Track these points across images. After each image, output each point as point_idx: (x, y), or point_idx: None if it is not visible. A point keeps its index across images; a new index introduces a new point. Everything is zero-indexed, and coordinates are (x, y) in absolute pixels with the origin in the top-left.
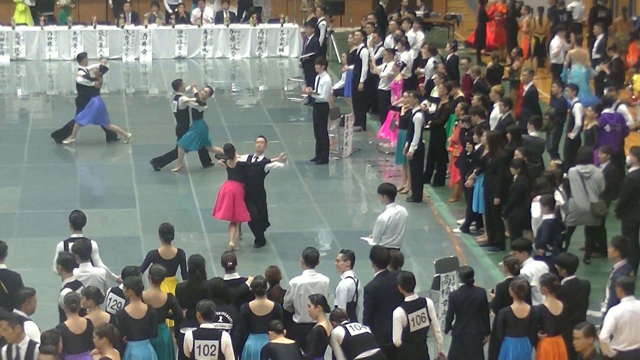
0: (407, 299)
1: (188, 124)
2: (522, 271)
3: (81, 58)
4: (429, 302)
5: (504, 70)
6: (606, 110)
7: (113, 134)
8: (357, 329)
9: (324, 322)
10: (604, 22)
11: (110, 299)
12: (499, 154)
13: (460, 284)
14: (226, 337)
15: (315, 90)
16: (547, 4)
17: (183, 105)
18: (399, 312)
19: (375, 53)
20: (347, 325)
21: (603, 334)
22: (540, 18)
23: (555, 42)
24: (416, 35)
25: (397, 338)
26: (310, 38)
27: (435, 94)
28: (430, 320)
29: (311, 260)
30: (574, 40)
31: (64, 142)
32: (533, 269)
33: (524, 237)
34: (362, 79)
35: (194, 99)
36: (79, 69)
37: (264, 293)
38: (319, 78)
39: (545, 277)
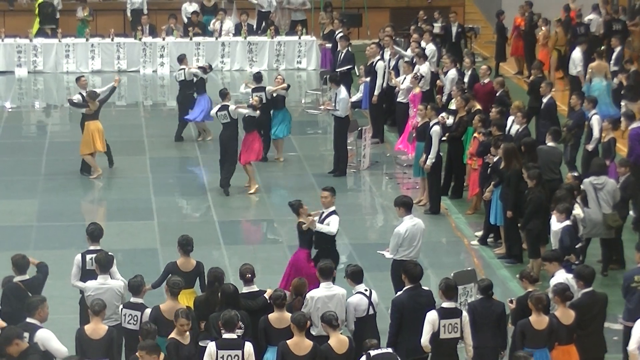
0: (443, 305)
1: (269, 113)
2: (552, 280)
3: (182, 59)
4: (465, 315)
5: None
6: (635, 125)
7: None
8: (379, 350)
9: (332, 340)
10: (620, 34)
11: (125, 315)
12: (514, 166)
13: (479, 296)
14: (249, 347)
15: (334, 106)
16: (562, 16)
17: (269, 94)
18: (432, 315)
19: (392, 64)
20: (370, 351)
21: (632, 345)
22: (565, 31)
23: (577, 55)
24: (426, 48)
25: (424, 340)
26: (344, 51)
27: (453, 106)
28: (462, 332)
29: (325, 272)
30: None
31: (199, 139)
32: (563, 279)
33: (550, 250)
34: (376, 92)
35: (248, 110)
36: (181, 69)
37: (284, 306)
38: (336, 94)
39: (557, 287)
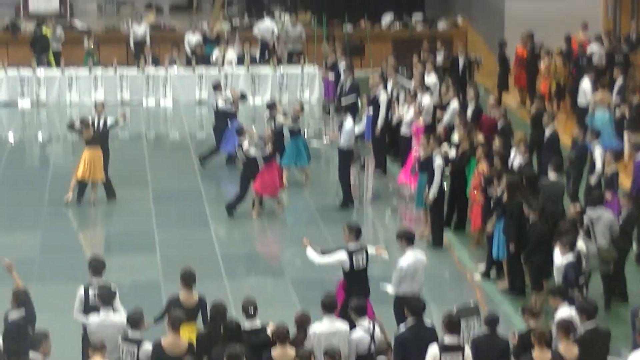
0: (445, 339)
1: (283, 142)
2: (556, 315)
3: (216, 87)
4: (467, 350)
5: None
6: None
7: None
8: None
9: None
10: (622, 66)
11: (122, 350)
12: (517, 199)
13: (484, 329)
14: None
15: (339, 136)
16: (561, 47)
17: (279, 125)
18: (433, 350)
19: (396, 96)
20: None
21: None
22: (564, 62)
23: (587, 85)
24: (429, 79)
25: None
26: (349, 81)
27: (455, 138)
28: None
29: (328, 306)
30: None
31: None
32: (567, 314)
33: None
34: (379, 124)
35: (289, 121)
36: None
37: (287, 341)
38: (342, 123)
39: (561, 321)
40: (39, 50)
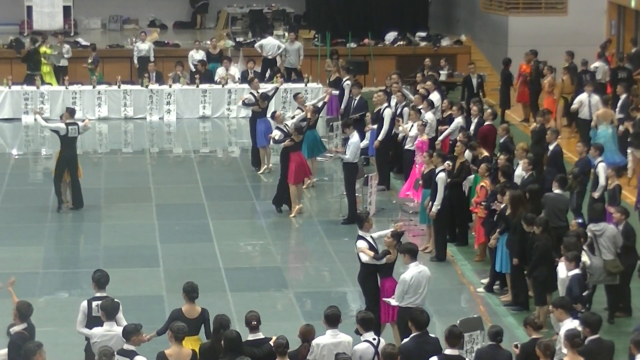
0: (446, 352)
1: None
2: (562, 328)
3: (251, 81)
4: None
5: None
6: None
7: (258, 161)
8: None
9: None
10: (626, 82)
11: None
12: (520, 213)
13: (488, 343)
14: None
15: (344, 150)
16: (565, 62)
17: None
18: None
19: (399, 112)
20: None
21: None
22: (571, 78)
23: (579, 97)
24: (432, 95)
25: None
26: (357, 98)
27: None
28: None
29: (331, 319)
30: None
31: (259, 172)
32: (573, 326)
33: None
34: (380, 138)
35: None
36: (250, 92)
37: (286, 354)
38: (349, 138)
39: (568, 333)
40: (32, 66)
